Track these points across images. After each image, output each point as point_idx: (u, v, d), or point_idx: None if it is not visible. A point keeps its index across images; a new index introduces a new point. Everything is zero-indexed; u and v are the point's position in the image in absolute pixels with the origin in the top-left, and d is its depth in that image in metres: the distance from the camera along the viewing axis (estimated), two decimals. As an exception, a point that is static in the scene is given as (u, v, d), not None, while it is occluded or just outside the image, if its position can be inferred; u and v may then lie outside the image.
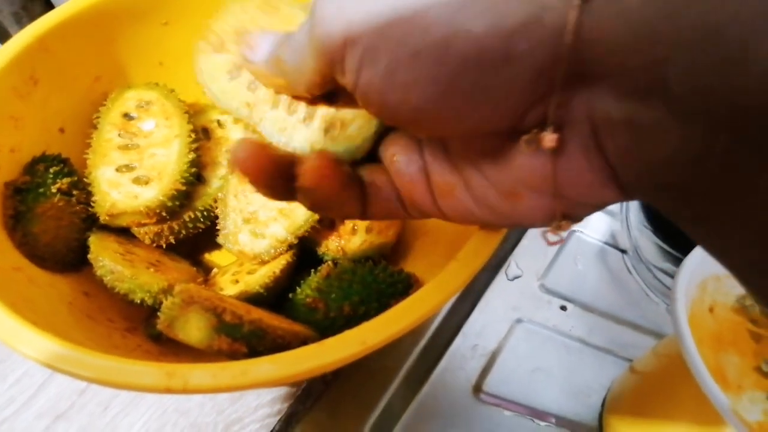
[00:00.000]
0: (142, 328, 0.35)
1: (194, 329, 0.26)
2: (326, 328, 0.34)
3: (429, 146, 0.24)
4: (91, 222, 0.37)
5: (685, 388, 0.33)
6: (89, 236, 0.36)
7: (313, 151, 0.26)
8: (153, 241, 0.38)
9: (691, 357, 0.29)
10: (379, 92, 0.20)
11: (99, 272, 0.33)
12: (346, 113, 0.26)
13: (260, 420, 0.37)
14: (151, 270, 0.34)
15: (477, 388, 0.40)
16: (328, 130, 0.26)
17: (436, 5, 0.18)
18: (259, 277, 0.35)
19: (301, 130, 0.26)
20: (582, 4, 0.17)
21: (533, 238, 0.50)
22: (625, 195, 0.20)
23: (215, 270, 0.39)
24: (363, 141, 0.25)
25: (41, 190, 0.35)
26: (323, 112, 0.26)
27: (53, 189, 0.35)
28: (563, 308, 0.45)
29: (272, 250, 0.36)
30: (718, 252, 0.18)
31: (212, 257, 0.42)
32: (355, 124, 0.26)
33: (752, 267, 0.17)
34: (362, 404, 0.37)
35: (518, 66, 0.17)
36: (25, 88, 0.37)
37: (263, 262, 0.36)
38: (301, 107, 0.26)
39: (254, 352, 0.27)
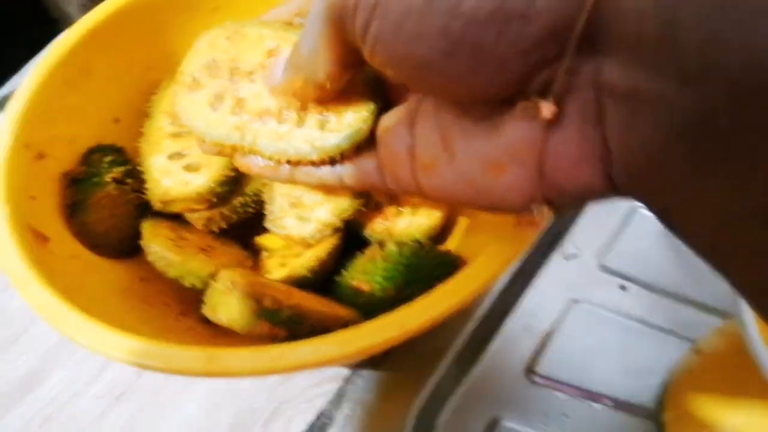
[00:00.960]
0: (195, 311, 0.36)
1: (236, 314, 0.27)
2: (371, 310, 0.34)
3: (421, 117, 0.24)
4: (145, 209, 0.38)
5: (753, 371, 0.31)
6: (143, 222, 0.37)
7: (315, 149, 0.26)
8: (205, 227, 0.38)
9: (752, 341, 0.27)
10: (385, 43, 0.20)
11: (150, 258, 0.34)
12: (339, 105, 0.26)
13: (309, 400, 0.37)
14: (201, 255, 0.34)
15: (529, 370, 0.39)
16: (323, 124, 0.26)
17: None
18: (305, 261, 0.35)
19: (297, 133, 0.27)
20: None
21: (593, 216, 0.48)
22: (609, 183, 0.19)
23: (264, 253, 0.39)
24: (362, 123, 0.26)
25: (96, 179, 0.36)
26: (313, 112, 0.27)
27: (107, 178, 0.36)
28: (623, 288, 0.43)
29: (318, 234, 0.36)
30: (702, 246, 0.17)
31: (263, 240, 0.43)
32: (350, 111, 0.26)
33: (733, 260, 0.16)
34: (411, 385, 0.37)
35: (533, 24, 0.17)
36: (79, 79, 0.38)
37: (309, 246, 0.36)
38: (291, 114, 0.27)
39: (294, 336, 0.27)
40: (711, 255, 0.17)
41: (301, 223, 0.37)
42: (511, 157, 0.21)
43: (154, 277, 0.37)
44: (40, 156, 0.35)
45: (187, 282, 0.34)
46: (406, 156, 0.25)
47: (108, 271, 0.35)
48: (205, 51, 0.31)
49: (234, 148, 0.29)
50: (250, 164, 0.30)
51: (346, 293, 0.35)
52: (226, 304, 0.27)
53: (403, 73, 0.20)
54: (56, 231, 0.34)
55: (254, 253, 0.40)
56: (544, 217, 0.21)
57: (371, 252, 0.35)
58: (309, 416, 0.38)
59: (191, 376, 0.26)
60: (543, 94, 0.18)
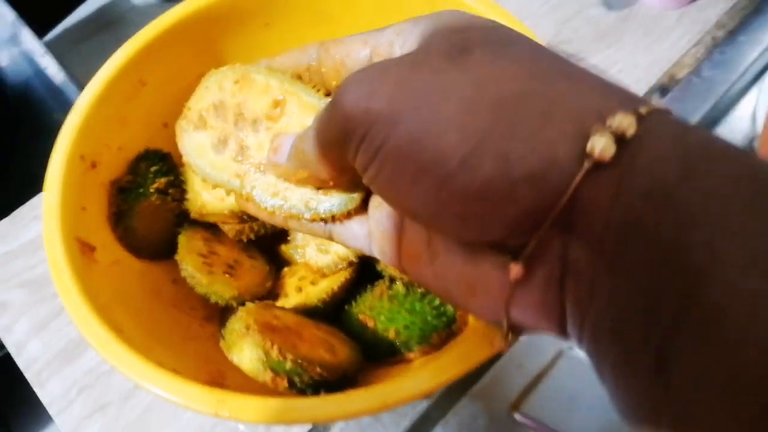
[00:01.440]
0: (218, 319, 0.40)
1: (246, 360, 0.31)
2: (372, 347, 0.37)
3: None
4: (183, 217, 0.41)
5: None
6: (180, 231, 0.40)
7: (308, 209, 0.28)
8: (235, 237, 0.42)
9: None
10: (380, 187, 0.22)
11: (182, 274, 0.38)
12: None
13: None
14: (226, 277, 0.38)
15: (515, 407, 0.42)
16: (320, 186, 0.28)
17: (455, 130, 0.19)
18: (318, 291, 0.38)
19: (295, 191, 0.28)
20: (586, 175, 0.18)
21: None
22: (565, 335, 0.21)
23: (285, 269, 0.43)
24: (356, 192, 0.27)
25: (141, 190, 0.39)
26: None
27: (151, 189, 0.40)
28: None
29: (334, 266, 0.39)
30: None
31: (288, 248, 0.46)
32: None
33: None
34: (400, 410, 0.41)
35: (514, 206, 0.19)
36: (133, 91, 0.41)
37: (324, 276, 0.40)
38: None
39: (293, 385, 0.31)
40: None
41: (320, 255, 0.39)
42: (482, 287, 0.23)
43: (184, 280, 0.41)
44: (93, 165, 0.38)
45: (212, 300, 0.37)
46: (395, 237, 0.26)
47: (144, 275, 0.39)
48: (214, 90, 0.32)
49: (234, 192, 0.31)
50: (248, 205, 0.31)
51: (353, 325, 0.38)
52: (240, 348, 0.31)
53: (391, 205, 0.23)
54: (102, 238, 0.38)
55: (278, 263, 0.43)
56: (507, 343, 0.24)
57: (380, 288, 0.38)
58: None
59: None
60: (516, 253, 0.21)
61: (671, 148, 0.17)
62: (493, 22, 0.23)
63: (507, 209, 0.19)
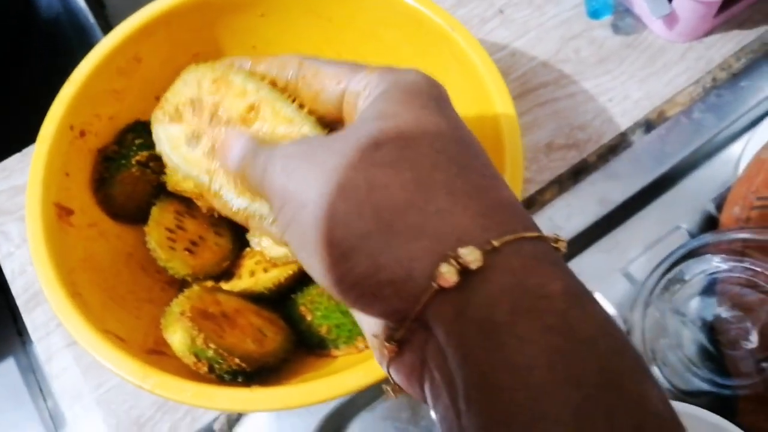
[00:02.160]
0: (179, 286, 0.45)
1: (176, 341, 0.35)
2: (307, 338, 0.41)
3: None
4: (161, 188, 0.45)
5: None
6: (155, 203, 0.44)
7: (272, 212, 0.30)
8: (208, 212, 0.45)
9: None
10: (292, 251, 0.26)
11: (147, 245, 0.42)
12: None
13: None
14: (185, 254, 0.42)
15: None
16: None
17: (343, 227, 0.22)
18: (267, 279, 0.42)
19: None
20: (434, 293, 0.21)
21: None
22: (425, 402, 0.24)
23: (247, 249, 0.46)
24: None
25: (123, 161, 0.43)
26: None
27: (133, 161, 0.43)
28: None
29: (285, 258, 0.43)
30: None
31: (249, 234, 0.49)
32: None
33: None
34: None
35: (381, 302, 0.23)
36: (129, 66, 0.44)
37: (275, 266, 0.43)
38: None
39: (212, 370, 0.35)
40: None
41: (274, 246, 0.43)
42: (375, 345, 0.27)
43: (151, 247, 0.46)
44: (82, 134, 0.42)
45: (170, 273, 0.42)
46: None
47: (119, 237, 0.44)
48: (192, 86, 0.34)
49: (202, 186, 0.33)
50: (214, 200, 0.34)
51: (293, 314, 0.42)
52: (173, 330, 0.35)
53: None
54: (82, 201, 0.42)
55: (242, 243, 0.47)
56: (394, 394, 0.27)
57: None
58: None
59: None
60: (392, 335, 0.24)
61: (509, 289, 0.20)
62: (429, 96, 0.26)
63: (377, 302, 0.23)
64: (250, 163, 0.28)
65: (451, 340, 0.21)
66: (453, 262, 0.20)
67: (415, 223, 0.22)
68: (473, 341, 0.20)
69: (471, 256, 0.20)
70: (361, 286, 0.22)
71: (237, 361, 0.35)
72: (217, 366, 0.35)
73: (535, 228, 0.23)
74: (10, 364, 0.82)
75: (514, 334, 0.19)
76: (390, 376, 0.26)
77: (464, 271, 0.20)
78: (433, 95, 0.26)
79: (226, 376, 0.35)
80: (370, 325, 0.26)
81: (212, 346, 0.35)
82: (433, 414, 0.23)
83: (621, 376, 0.19)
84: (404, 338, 0.23)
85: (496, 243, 0.21)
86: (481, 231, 0.21)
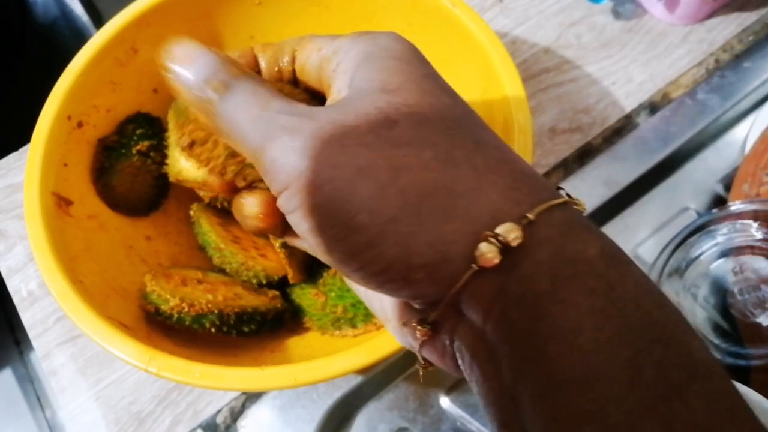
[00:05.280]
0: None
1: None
2: (321, 317, 0.41)
3: None
4: (163, 179, 0.44)
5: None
6: (156, 190, 0.44)
7: None
8: (210, 203, 0.45)
9: None
10: (301, 235, 0.23)
11: (200, 239, 0.42)
12: None
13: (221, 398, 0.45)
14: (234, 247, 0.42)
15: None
16: None
17: (367, 213, 0.21)
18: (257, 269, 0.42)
19: None
20: (472, 275, 0.20)
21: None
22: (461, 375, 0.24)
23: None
24: None
25: (124, 151, 0.43)
26: None
27: (134, 150, 0.43)
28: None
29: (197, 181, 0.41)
30: None
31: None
32: None
33: None
34: (331, 382, 0.44)
35: (412, 287, 0.22)
36: (125, 57, 0.43)
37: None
38: None
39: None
40: None
41: (192, 169, 0.42)
42: (394, 324, 0.26)
43: (158, 236, 0.45)
44: (80, 125, 0.41)
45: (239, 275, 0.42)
46: None
47: (119, 230, 0.43)
48: None
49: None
50: None
51: (307, 296, 0.42)
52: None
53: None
54: (82, 193, 0.41)
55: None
56: (422, 371, 0.26)
57: (333, 269, 0.41)
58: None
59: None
60: (425, 318, 0.23)
61: (548, 260, 0.20)
62: (421, 66, 0.24)
63: (406, 287, 0.22)
64: (224, 78, 0.25)
65: (491, 317, 0.20)
66: (493, 240, 0.20)
67: (445, 204, 0.21)
68: (516, 314, 0.20)
69: (511, 234, 0.20)
70: (389, 272, 0.21)
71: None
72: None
73: (558, 194, 0.22)
74: (7, 374, 0.81)
75: (557, 300, 0.19)
76: (420, 355, 0.25)
77: (505, 249, 0.20)
78: (420, 59, 0.25)
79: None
80: (392, 309, 0.26)
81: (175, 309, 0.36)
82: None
83: (666, 329, 0.19)
84: (437, 320, 0.23)
85: (531, 216, 0.20)
86: (513, 205, 0.21)
